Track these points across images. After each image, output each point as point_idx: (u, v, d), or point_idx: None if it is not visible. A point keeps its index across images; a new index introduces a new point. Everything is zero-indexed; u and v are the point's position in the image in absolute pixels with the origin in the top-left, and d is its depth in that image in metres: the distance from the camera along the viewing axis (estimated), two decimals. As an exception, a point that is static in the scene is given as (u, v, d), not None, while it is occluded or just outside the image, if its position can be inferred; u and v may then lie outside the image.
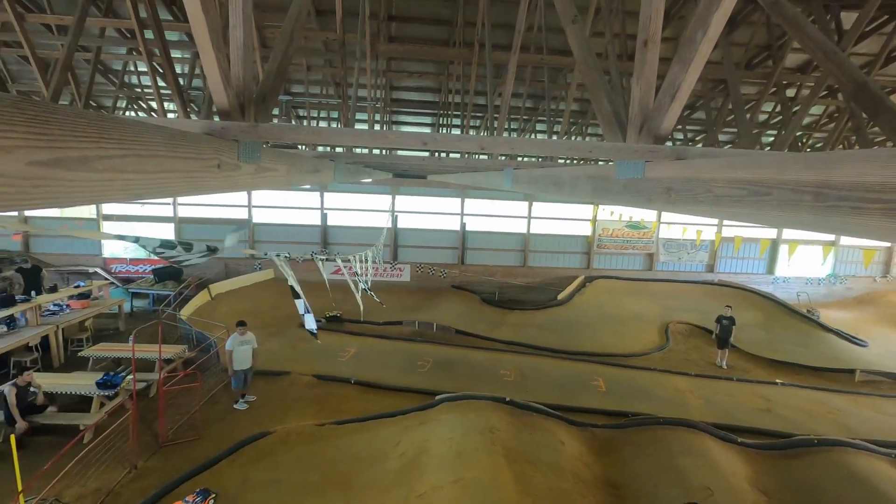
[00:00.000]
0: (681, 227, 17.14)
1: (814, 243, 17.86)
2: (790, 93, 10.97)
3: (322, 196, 17.35)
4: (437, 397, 8.38)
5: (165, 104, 12.63)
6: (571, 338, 13.25)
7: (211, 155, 1.45)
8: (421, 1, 9.70)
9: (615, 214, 16.66)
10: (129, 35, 10.14)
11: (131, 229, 16.66)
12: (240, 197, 17.02)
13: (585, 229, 18.16)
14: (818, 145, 14.65)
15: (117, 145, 1.05)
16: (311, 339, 12.02)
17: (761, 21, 9.02)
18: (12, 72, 12.65)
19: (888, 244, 18.45)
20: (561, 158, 13.42)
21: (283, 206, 17.37)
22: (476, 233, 17.86)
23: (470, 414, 7.81)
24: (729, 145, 15.25)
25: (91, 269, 15.99)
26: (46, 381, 7.93)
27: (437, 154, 13.07)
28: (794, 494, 6.83)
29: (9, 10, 7.32)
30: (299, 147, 11.34)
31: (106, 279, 15.24)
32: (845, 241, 18.29)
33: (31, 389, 7.33)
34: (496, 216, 17.91)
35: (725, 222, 17.25)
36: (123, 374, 8.22)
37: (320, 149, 13.86)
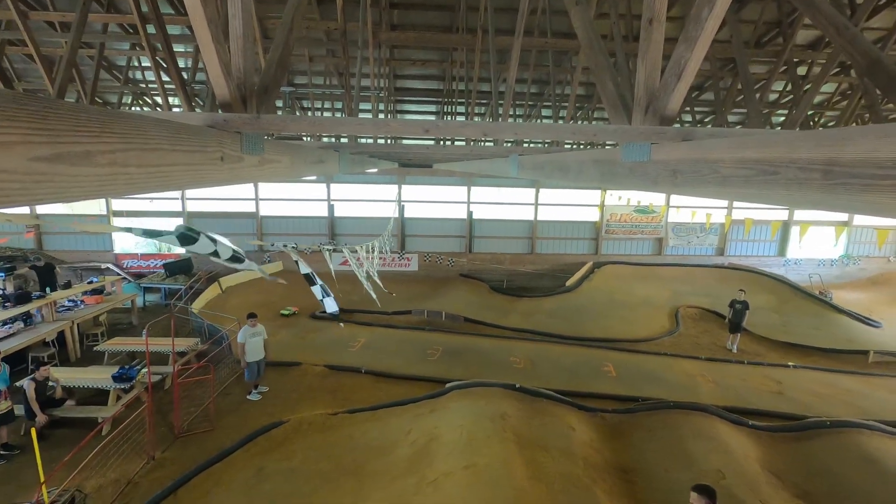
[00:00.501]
0: (690, 210, 16.97)
1: (826, 224, 17.60)
2: (801, 71, 10.74)
3: (329, 187, 17.37)
4: (448, 385, 8.43)
5: (170, 99, 12.66)
6: (580, 324, 13.23)
7: (214, 147, 1.45)
8: (422, -13, 9.60)
9: (623, 199, 16.51)
10: (131, 30, 10.15)
11: (140, 225, 16.82)
12: (247, 190, 17.10)
13: (593, 215, 18.03)
14: (830, 124, 14.37)
15: (119, 139, 1.05)
16: (321, 330, 12.19)
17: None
18: (18, 70, 12.73)
19: (903, 223, 18.15)
20: (567, 143, 13.31)
21: (291, 199, 17.42)
22: (483, 221, 17.81)
23: (480, 401, 7.86)
24: (738, 126, 14.99)
25: (103, 265, 16.21)
26: (64, 376, 8.09)
27: (442, 142, 13.00)
28: (807, 476, 6.82)
29: (12, 9, 7.34)
30: (303, 138, 11.34)
31: (118, 275, 15.44)
32: (858, 221, 18.00)
33: (50, 384, 7.49)
34: (503, 204, 17.84)
35: (735, 204, 17.03)
36: (138, 367, 8.36)
37: (325, 139, 13.85)
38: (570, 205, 17.94)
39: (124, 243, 16.73)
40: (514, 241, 17.96)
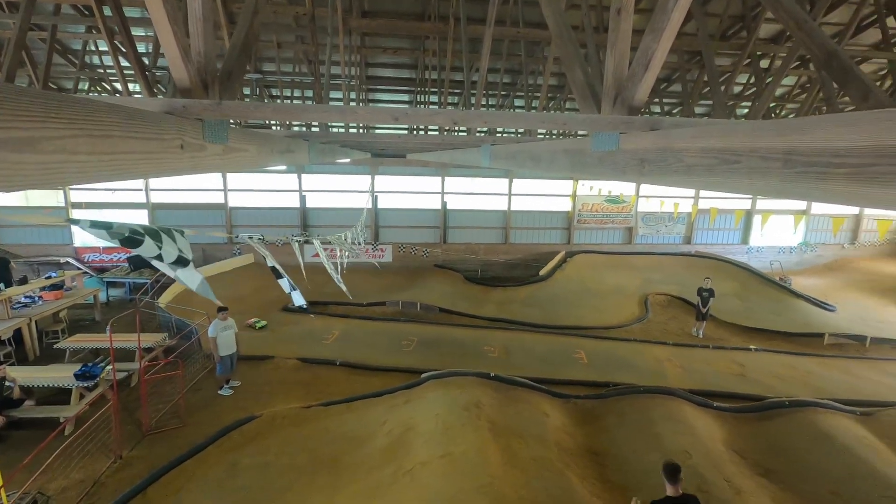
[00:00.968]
0: (658, 200, 17.39)
1: (786, 213, 18.31)
2: (764, 64, 11.06)
3: (300, 178, 17.05)
4: (423, 375, 8.45)
5: (130, 85, 12.14)
6: (554, 312, 13.44)
7: (173, 135, 1.39)
8: (394, -27, 9.43)
9: (594, 189, 16.77)
10: (86, 12, 9.65)
11: (103, 217, 16.17)
12: (215, 180, 16.62)
13: (566, 205, 18.27)
14: (790, 116, 14.89)
15: (67, 125, 0.99)
16: (294, 323, 12.01)
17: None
18: (-37, 53, 11.97)
19: (856, 211, 19.03)
20: (540, 133, 13.38)
21: (261, 189, 17.03)
22: (457, 211, 17.83)
23: (455, 390, 7.91)
24: (705, 118, 15.38)
25: (62, 259, 15.53)
26: (22, 375, 7.75)
27: (415, 131, 12.90)
28: (768, 454, 7.14)
29: (-47, -13, 6.87)
30: (273, 127, 11.06)
31: (79, 269, 14.83)
32: (816, 209, 18.78)
33: (7, 384, 7.16)
34: (477, 194, 17.88)
35: (702, 194, 17.52)
36: (102, 364, 8.08)
37: (296, 128, 13.57)
38: (543, 195, 18.11)
39: (85, 236, 16.06)
40: (489, 232, 18.05)
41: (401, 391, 8.23)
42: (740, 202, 18.56)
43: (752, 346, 11.31)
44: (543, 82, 9.75)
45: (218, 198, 16.77)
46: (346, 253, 9.60)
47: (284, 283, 5.00)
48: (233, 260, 15.52)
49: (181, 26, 1.57)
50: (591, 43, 5.23)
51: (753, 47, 8.92)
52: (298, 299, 5.40)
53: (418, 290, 14.52)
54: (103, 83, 13.73)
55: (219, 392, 8.36)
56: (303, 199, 17.14)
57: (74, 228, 15.81)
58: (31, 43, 10.32)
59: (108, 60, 12.69)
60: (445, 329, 11.95)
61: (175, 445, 6.74)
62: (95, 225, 2.25)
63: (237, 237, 3.57)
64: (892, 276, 16.90)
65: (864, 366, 10.66)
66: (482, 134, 12.41)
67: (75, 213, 16.09)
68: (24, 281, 11.04)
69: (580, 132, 10.80)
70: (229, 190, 16.77)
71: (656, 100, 13.91)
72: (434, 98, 13.96)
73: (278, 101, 15.06)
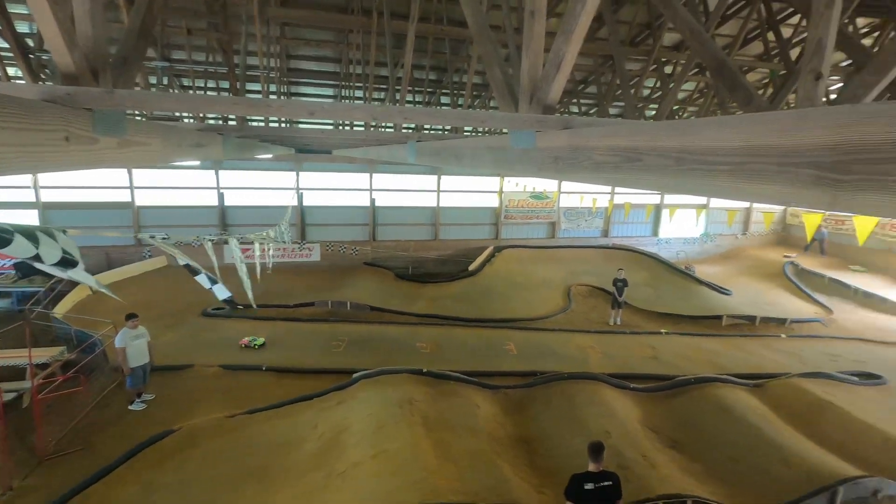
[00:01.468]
0: (578, 195, 18.33)
1: (689, 207, 20.01)
2: (668, 69, 12.00)
3: (217, 174, 16.04)
4: (355, 375, 8.32)
5: (9, 69, 10.75)
6: (484, 306, 13.76)
7: (55, 126, 1.24)
8: (314, -38, 9.11)
9: (520, 186, 17.33)
10: (-48, -16, 8.39)
11: (-19, 219, 14.21)
12: (120, 177, 15.19)
13: (493, 201, 18.72)
14: (690, 118, 16.28)
15: (-86, 112, 0.85)
16: (215, 328, 11.31)
17: (643, 0, 9.69)
18: None
19: (746, 204, 21.23)
20: (467, 131, 13.59)
21: (174, 187, 15.82)
22: (386, 208, 17.68)
23: (388, 388, 7.87)
24: (613, 118, 16.42)
25: (-70, 268, 13.48)
26: None
27: (340, 126, 12.59)
28: (677, 427, 7.80)
29: None
30: (186, 120, 10.31)
31: (-48, 279, 12.96)
32: (714, 203, 20.71)
33: None
34: (406, 191, 17.83)
35: (617, 190, 18.69)
36: (-16, 385, 7.12)
37: (211, 121, 12.73)
38: (471, 191, 18.44)
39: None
40: (418, 228, 18.09)
41: (332, 393, 8.04)
42: (650, 197, 20.04)
43: (663, 330, 12.28)
44: (468, 80, 9.91)
45: (123, 195, 15.36)
46: (271, 252, 9.19)
47: (203, 279, 4.70)
48: (142, 263, 14.32)
49: (63, 5, 1.40)
50: (513, 43, 5.37)
51: (659, 54, 9.65)
52: (221, 293, 5.10)
53: (348, 289, 14.24)
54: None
55: (130, 407, 7.69)
56: (221, 196, 16.15)
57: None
58: None
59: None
60: (377, 327, 11.83)
61: (78, 470, 6.11)
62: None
63: (137, 237, 3.29)
64: (776, 263, 19.05)
65: (755, 342, 11.95)
66: (410, 130, 12.38)
67: (-55, 215, 14.02)
68: None
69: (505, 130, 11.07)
70: (136, 187, 15.41)
71: (574, 100, 14.63)
72: (359, 93, 13.71)
73: (190, 91, 14.06)
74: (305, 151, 9.28)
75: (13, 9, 8.47)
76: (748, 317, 13.30)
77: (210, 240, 4.33)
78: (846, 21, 8.45)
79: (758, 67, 11.91)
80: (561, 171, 1.70)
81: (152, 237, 3.70)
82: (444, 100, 15.45)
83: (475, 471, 6.03)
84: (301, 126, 16.88)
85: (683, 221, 20.22)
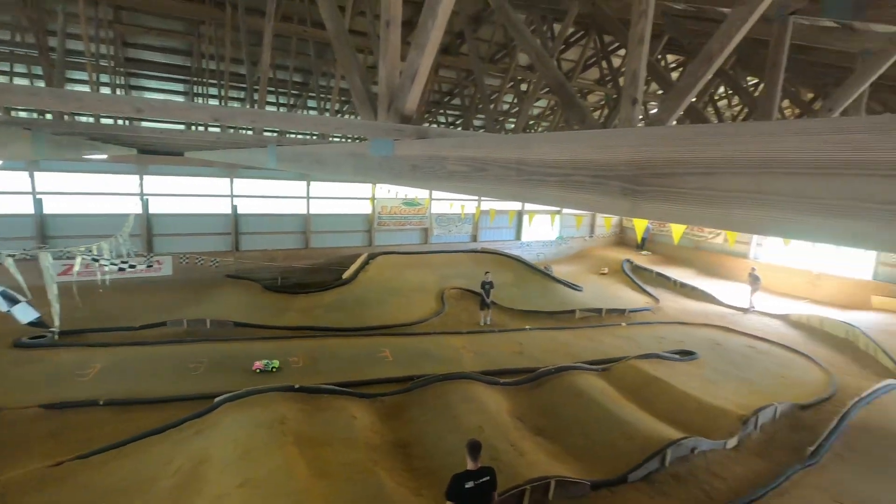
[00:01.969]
0: (448, 202, 19.06)
1: (545, 212, 22.04)
2: (524, 87, 13.10)
3: (33, 177, 13.43)
4: (216, 399, 7.59)
5: None
6: (360, 314, 13.54)
7: None
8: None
9: (392, 192, 17.45)
10: None
11: None
12: None
13: (366, 208, 18.56)
14: (527, 134, 17.98)
15: None
16: (33, 361, 9.41)
17: (500, 22, 10.47)
18: None
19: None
20: (336, 137, 13.30)
21: (-34, 192, 12.86)
22: (251, 216, 16.46)
23: (256, 410, 7.33)
24: (482, 130, 17.47)
25: None
26: None
27: (194, 127, 11.42)
28: (541, 415, 8.50)
29: None
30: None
31: None
32: (566, 209, 23.13)
33: None
34: (272, 197, 16.80)
35: (484, 198, 19.87)
36: None
37: (23, 114, 10.64)
38: (343, 198, 18.07)
39: None
40: (287, 237, 17.17)
41: (189, 421, 7.22)
42: (513, 204, 21.66)
43: (527, 327, 13.31)
44: (335, 85, 9.71)
45: None
46: (108, 268, 7.93)
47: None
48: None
49: None
50: (377, 50, 5.42)
51: (515, 72, 10.50)
52: (25, 314, 4.24)
53: (208, 305, 12.95)
54: None
55: None
56: (38, 203, 13.55)
57: None
58: None
59: None
60: (243, 345, 10.92)
61: None
62: None
63: None
64: (616, 261, 21.88)
65: (602, 332, 13.56)
66: (276, 134, 11.71)
67: None
68: None
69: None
70: None
71: (442, 111, 15.20)
72: (214, 91, 12.60)
73: (-8, 77, 11.58)
74: (150, 152, 8.21)
75: None
76: (596, 309, 15.06)
77: (10, 255, 3.59)
78: (658, 57, 10.07)
79: (596, 90, 13.61)
80: (418, 179, 1.75)
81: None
82: (311, 103, 14.94)
83: (352, 483, 5.91)
84: (146, 125, 14.96)
85: (541, 226, 22.22)
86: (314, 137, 12.77)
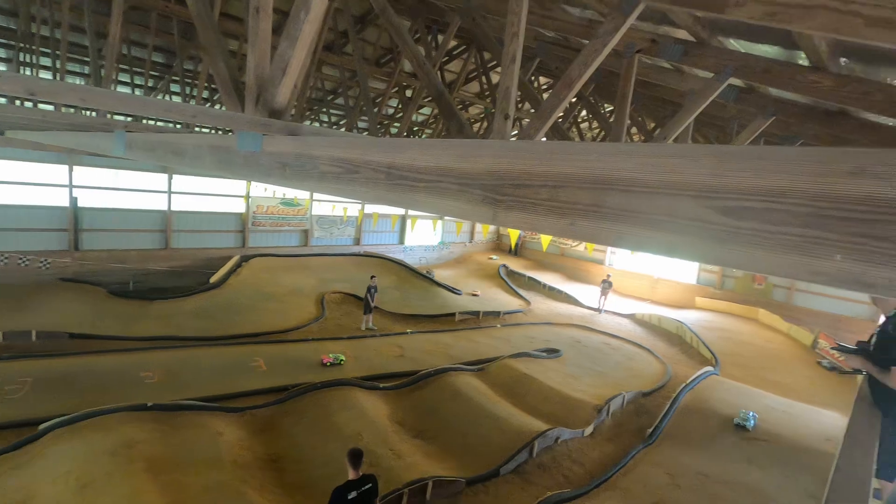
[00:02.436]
0: (330, 204, 18.52)
1: (427, 218, 22.49)
2: (409, 93, 13.26)
3: None
4: (42, 427, 6.44)
5: None
6: (229, 321, 12.48)
7: None
8: None
9: (269, 191, 16.44)
10: None
11: None
12: None
13: (239, 206, 17.21)
14: (398, 138, 18.36)
15: None
16: None
17: (385, 26, 10.47)
18: None
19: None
20: (206, 128, 12.15)
21: None
22: (95, 210, 14.23)
23: (96, 435, 6.37)
24: (366, 132, 17.29)
25: None
26: None
27: (18, 102, 9.57)
28: (421, 417, 8.62)
29: None
30: None
31: None
32: (434, 214, 23.84)
33: None
34: (124, 190, 14.72)
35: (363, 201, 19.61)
36: None
37: None
38: (213, 194, 16.51)
39: None
40: (143, 235, 15.18)
41: (5, 455, 6.02)
42: (396, 208, 21.76)
43: (408, 330, 13.42)
44: (203, 70, 8.86)
45: None
46: None
47: None
48: None
49: None
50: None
51: (400, 77, 10.59)
52: None
53: (35, 315, 10.92)
54: None
55: None
56: None
57: None
58: None
59: None
60: (81, 359, 9.39)
61: None
62: None
63: None
64: (493, 266, 23.14)
65: (479, 333, 14.22)
66: (128, 119, 10.33)
67: None
68: None
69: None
70: None
71: (324, 109, 14.74)
72: (48, 61, 10.67)
73: None
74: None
75: None
76: (474, 312, 15.74)
77: None
78: (532, 78, 10.90)
79: (476, 103, 14.29)
80: (289, 179, 1.66)
81: None
82: (175, 88, 13.45)
83: (215, 507, 5.41)
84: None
85: (424, 231, 22.64)
86: (177, 126, 11.54)
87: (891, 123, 3.86)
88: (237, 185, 16.86)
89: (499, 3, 5.73)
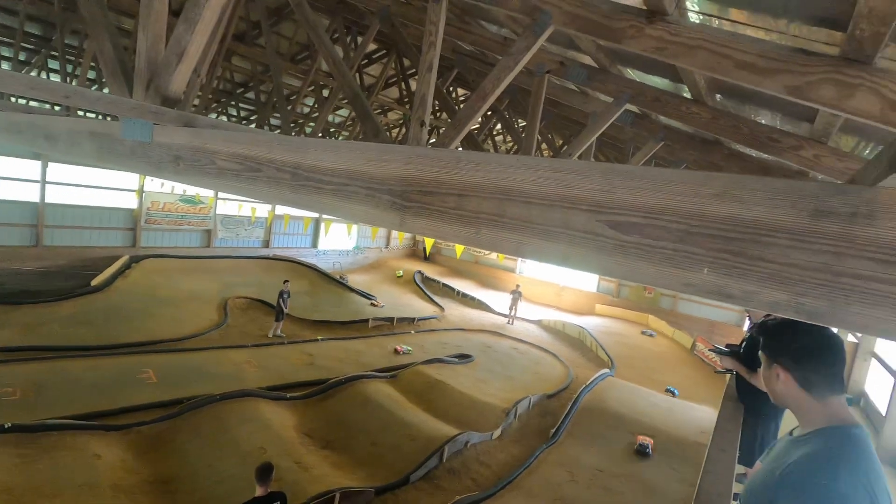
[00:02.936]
0: (237, 203, 17.42)
1: (341, 222, 21.97)
2: (326, 92, 12.88)
3: None
4: None
5: None
6: (114, 329, 11.20)
7: None
8: None
9: (167, 186, 15.09)
10: None
11: None
12: None
13: (130, 201, 15.57)
14: (304, 137, 17.95)
15: None
16: None
17: (301, 22, 10.09)
18: None
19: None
20: (92, 114, 10.86)
21: None
22: (-57, 199, 12.14)
23: (-69, 465, 5.39)
24: (278, 130, 16.52)
25: None
26: None
27: None
28: (330, 427, 8.33)
29: None
30: None
31: None
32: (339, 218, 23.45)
33: None
34: (-18, 177, 12.72)
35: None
36: None
37: None
38: (98, 187, 14.78)
39: None
40: (7, 230, 13.17)
41: None
42: (309, 211, 20.96)
43: (319, 337, 12.96)
44: (89, 48, 7.93)
45: None
46: None
47: None
48: None
49: None
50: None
51: (316, 76, 10.24)
52: None
53: None
54: None
55: None
56: None
57: None
58: None
59: None
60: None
61: None
62: None
63: None
64: (408, 271, 23.14)
65: (393, 339, 14.10)
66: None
67: None
68: None
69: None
70: None
71: (233, 102, 13.88)
72: None
73: None
74: None
75: None
76: (388, 318, 15.60)
77: None
78: (450, 88, 11.11)
79: (396, 109, 14.25)
80: (182, 174, 1.52)
81: None
82: (53, 65, 11.88)
83: (87, 539, 4.81)
84: None
85: (338, 235, 22.06)
86: (56, 109, 10.21)
87: (754, 154, 4.45)
88: (129, 179, 15.26)
89: (418, 12, 5.79)
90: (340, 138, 17.04)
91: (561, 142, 10.40)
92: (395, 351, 12.81)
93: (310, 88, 10.05)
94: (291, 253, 20.06)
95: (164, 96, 1.68)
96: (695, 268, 0.83)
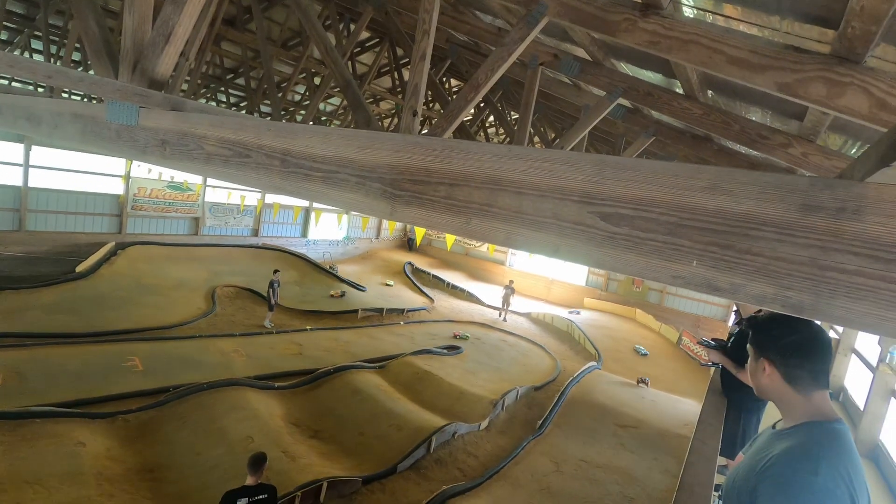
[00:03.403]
0: (226, 191, 17.23)
1: (332, 211, 21.84)
2: (318, 80, 12.72)
3: None
4: None
5: None
6: (98, 316, 11.06)
7: None
8: None
9: (154, 172, 14.85)
10: None
11: None
12: None
13: (117, 187, 15.31)
14: (293, 123, 17.78)
15: None
16: None
17: (293, 8, 9.92)
18: None
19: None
20: (78, 95, 10.61)
21: None
22: (-78, 182, 11.85)
23: None
24: (269, 117, 16.29)
25: None
26: None
27: None
28: (318, 417, 8.34)
29: None
30: None
31: None
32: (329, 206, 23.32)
33: None
34: (-37, 160, 12.42)
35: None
36: None
37: None
38: (83, 172, 14.51)
39: None
40: (-13, 214, 12.94)
41: None
42: (299, 200, 20.79)
43: (308, 327, 12.91)
44: (73, 28, 7.73)
45: None
46: None
47: None
48: None
49: None
50: None
51: (308, 63, 10.10)
52: None
53: None
54: None
55: None
56: None
57: None
58: None
59: None
60: None
61: None
62: None
63: None
64: (398, 263, 23.10)
65: (382, 330, 14.11)
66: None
67: None
68: None
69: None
70: None
71: (222, 88, 13.67)
72: None
73: None
74: None
75: None
76: (377, 309, 15.57)
77: None
78: (444, 78, 11.03)
79: (388, 98, 14.13)
80: (169, 158, 1.50)
81: None
82: (37, 45, 11.58)
83: (71, 528, 4.78)
84: None
85: (328, 225, 21.92)
86: (40, 90, 9.98)
87: (743, 151, 4.48)
88: (115, 164, 15.00)
89: (412, 0, 5.72)
90: (332, 126, 16.86)
91: (553, 135, 10.40)
92: (454, 336, 14.17)
93: (301, 76, 9.92)
94: (281, 242, 19.90)
95: (151, 79, 1.65)
96: (684, 260, 0.83)
